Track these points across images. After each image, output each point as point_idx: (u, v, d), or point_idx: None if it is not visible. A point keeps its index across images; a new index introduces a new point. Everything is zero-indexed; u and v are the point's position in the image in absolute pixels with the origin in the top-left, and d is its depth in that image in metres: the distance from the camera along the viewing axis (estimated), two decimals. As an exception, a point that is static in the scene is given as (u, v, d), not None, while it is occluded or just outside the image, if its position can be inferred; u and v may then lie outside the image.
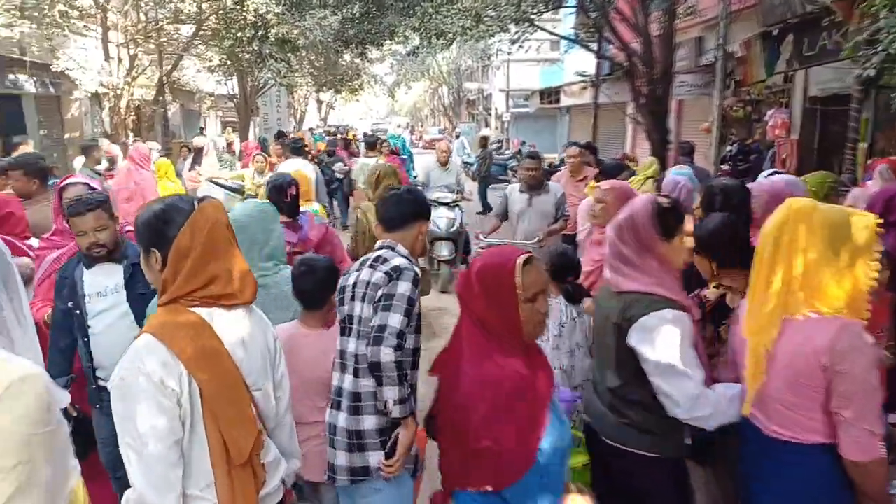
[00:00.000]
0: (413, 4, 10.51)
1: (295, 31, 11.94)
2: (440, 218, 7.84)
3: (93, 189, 3.22)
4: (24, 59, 11.30)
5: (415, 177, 11.02)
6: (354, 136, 22.24)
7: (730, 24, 9.48)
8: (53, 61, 9.62)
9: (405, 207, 2.47)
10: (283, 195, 3.59)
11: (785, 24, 9.83)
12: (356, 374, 2.31)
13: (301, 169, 6.12)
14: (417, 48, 12.78)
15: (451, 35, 10.26)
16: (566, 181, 6.55)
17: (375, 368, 2.16)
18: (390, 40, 13.79)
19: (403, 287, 2.23)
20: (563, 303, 3.29)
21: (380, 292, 2.25)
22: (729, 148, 11.12)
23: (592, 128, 17.50)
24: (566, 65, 20.94)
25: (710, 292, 2.63)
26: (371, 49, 15.57)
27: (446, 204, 8.01)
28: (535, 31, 11.33)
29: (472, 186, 13.09)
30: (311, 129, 27.13)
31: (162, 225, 1.69)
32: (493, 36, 10.49)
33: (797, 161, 10.13)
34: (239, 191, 8.09)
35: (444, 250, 7.87)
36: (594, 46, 13.27)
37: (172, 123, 21.99)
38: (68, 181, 3.42)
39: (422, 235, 2.50)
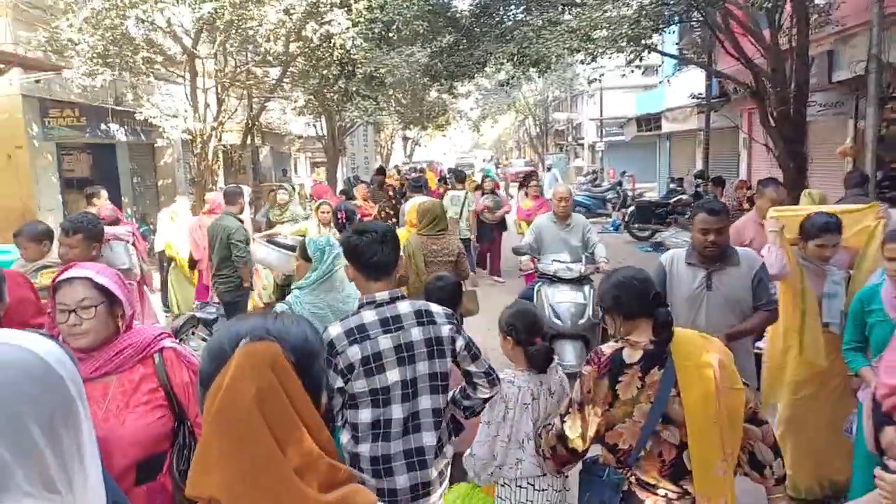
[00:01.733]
0: (511, 29, 9.67)
1: (382, 69, 11.38)
2: (561, 304, 5.33)
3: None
4: (116, 107, 11.30)
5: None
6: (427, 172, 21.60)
7: (884, 30, 7.99)
8: (138, 109, 9.39)
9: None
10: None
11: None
12: (437, 428, 2.30)
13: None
14: (512, 77, 11.90)
15: (552, 58, 9.25)
16: (754, 227, 4.69)
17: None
18: (480, 73, 13.01)
19: (464, 333, 2.38)
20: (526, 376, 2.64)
21: (459, 343, 2.31)
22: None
23: (704, 155, 15.92)
24: (669, 89, 19.48)
25: (608, 347, 2.30)
26: (461, 83, 14.86)
27: (570, 280, 5.45)
28: (649, 51, 10.13)
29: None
30: (396, 167, 26.91)
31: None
32: (602, 57, 9.38)
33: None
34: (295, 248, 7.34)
35: (569, 354, 5.23)
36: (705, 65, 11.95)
37: (263, 166, 22.26)
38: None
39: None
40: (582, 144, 36.43)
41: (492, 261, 10.86)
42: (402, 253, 3.68)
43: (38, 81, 9.12)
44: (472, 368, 2.35)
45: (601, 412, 2.17)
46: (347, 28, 9.64)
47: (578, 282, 5.46)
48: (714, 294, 3.32)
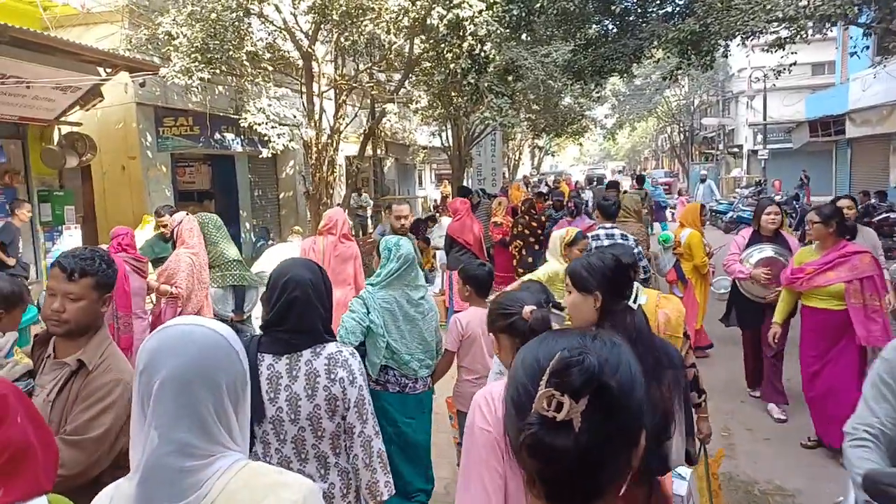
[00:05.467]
0: (688, 4, 7.63)
1: (520, 62, 9.67)
2: None
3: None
4: (232, 116, 10.50)
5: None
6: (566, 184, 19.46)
7: None
8: (242, 116, 8.34)
9: None
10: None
11: None
12: None
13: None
14: (677, 68, 9.80)
15: (745, 32, 7.10)
16: None
17: None
18: (632, 65, 10.94)
19: None
20: None
21: None
22: None
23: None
24: (854, 87, 16.19)
25: None
26: (605, 80, 12.82)
27: None
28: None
29: (725, 240, 9.49)
30: (525, 178, 25.07)
31: None
32: (799, 36, 7.15)
33: None
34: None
35: None
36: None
37: (387, 178, 21.35)
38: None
39: None
40: (735, 153, 32.61)
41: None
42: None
43: (142, 85, 8.36)
44: None
45: None
46: (480, 11, 8.03)
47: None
48: None
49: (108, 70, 8.11)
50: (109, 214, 10.22)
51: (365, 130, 11.47)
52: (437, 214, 13.87)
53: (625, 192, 10.81)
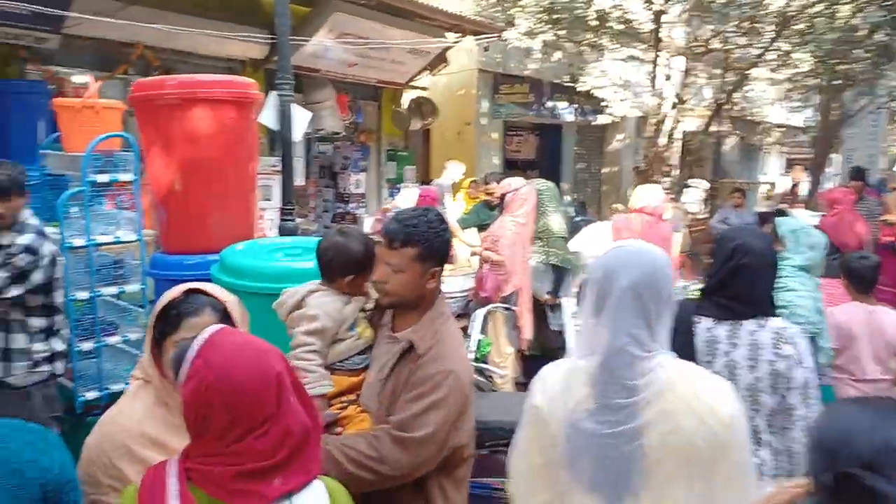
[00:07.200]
0: None
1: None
2: None
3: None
4: (567, 83, 9.99)
5: None
6: None
7: None
8: (581, 80, 7.68)
9: None
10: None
11: None
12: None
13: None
14: None
15: None
16: None
17: None
18: None
19: None
20: None
21: None
22: None
23: None
24: None
25: None
26: None
27: None
28: None
29: None
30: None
31: None
32: None
33: None
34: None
35: None
36: None
37: (725, 160, 18.93)
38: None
39: None
40: None
41: None
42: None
43: (486, 49, 8.27)
44: None
45: None
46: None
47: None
48: None
49: (457, 35, 8.24)
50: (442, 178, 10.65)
51: (719, 101, 9.90)
52: (787, 206, 11.60)
53: None
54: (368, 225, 9.22)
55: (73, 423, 3.30)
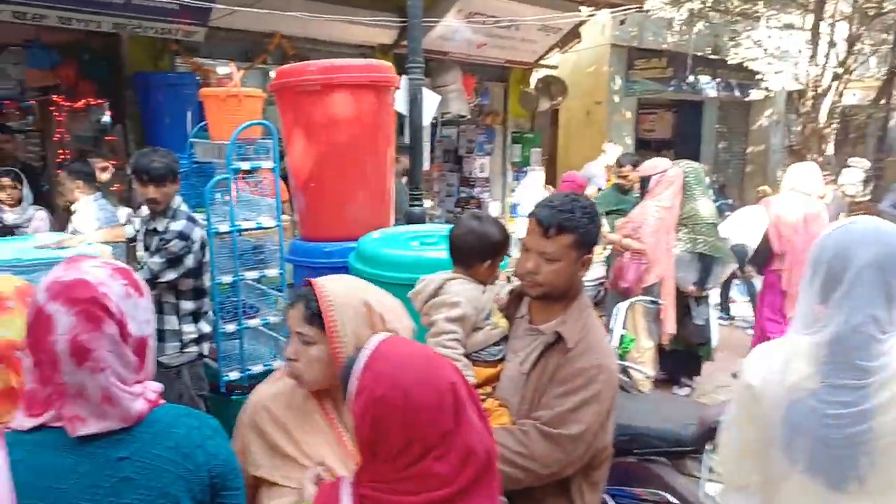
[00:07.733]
0: None
1: None
2: None
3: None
4: (710, 56, 9.19)
5: None
6: None
7: None
8: (732, 52, 6.96)
9: None
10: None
11: None
12: None
13: None
14: None
15: None
16: None
17: None
18: None
19: None
20: None
21: None
22: None
23: None
24: None
25: None
26: None
27: None
28: None
29: None
30: None
31: None
32: None
33: None
34: None
35: None
36: None
37: (891, 135, 16.83)
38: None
39: None
40: None
41: None
42: None
43: (622, 22, 7.77)
44: None
45: None
46: None
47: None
48: None
49: (591, 9, 7.79)
50: (571, 159, 10.26)
51: (889, 72, 8.71)
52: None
53: None
54: (495, 209, 9.07)
55: (217, 402, 3.44)
